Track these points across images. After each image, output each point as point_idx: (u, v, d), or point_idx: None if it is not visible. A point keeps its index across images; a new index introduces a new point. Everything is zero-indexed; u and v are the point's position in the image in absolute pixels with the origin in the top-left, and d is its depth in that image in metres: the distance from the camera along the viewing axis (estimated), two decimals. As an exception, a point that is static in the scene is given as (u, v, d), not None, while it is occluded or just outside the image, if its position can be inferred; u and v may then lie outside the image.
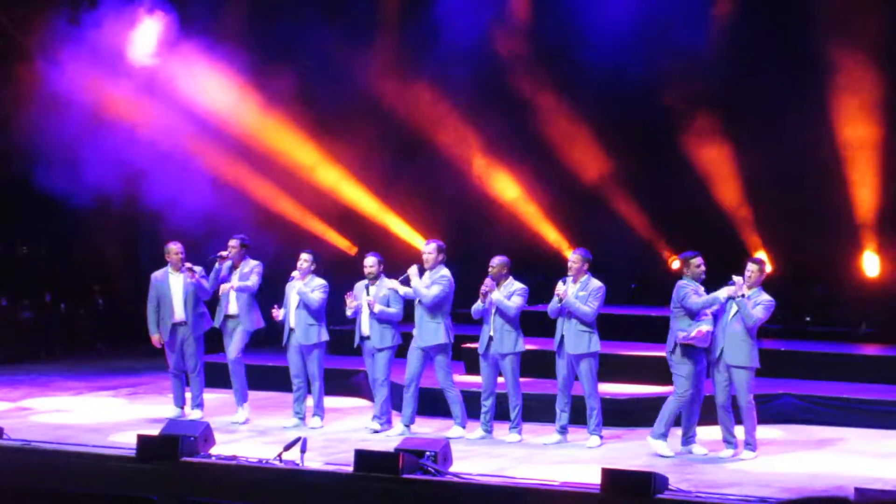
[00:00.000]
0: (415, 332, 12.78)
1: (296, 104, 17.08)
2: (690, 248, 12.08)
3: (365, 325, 12.89)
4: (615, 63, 16.10)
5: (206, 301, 13.55)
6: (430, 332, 12.66)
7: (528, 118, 17.21)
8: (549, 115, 17.15)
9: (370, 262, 12.93)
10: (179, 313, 13.43)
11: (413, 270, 12.62)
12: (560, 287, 12.24)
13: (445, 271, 12.69)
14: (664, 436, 11.83)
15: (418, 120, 17.41)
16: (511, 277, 12.57)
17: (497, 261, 12.58)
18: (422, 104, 17.39)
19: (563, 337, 12.25)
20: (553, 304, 12.28)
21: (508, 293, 12.47)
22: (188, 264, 13.36)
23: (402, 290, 12.78)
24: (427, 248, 12.80)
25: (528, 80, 17.08)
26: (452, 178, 17.53)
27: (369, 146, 17.48)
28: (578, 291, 12.24)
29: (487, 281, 12.46)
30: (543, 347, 13.23)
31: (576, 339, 12.20)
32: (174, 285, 13.42)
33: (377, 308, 12.78)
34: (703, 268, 11.91)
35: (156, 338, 13.54)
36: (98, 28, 16.07)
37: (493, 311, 12.48)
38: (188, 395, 13.66)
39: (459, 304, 12.97)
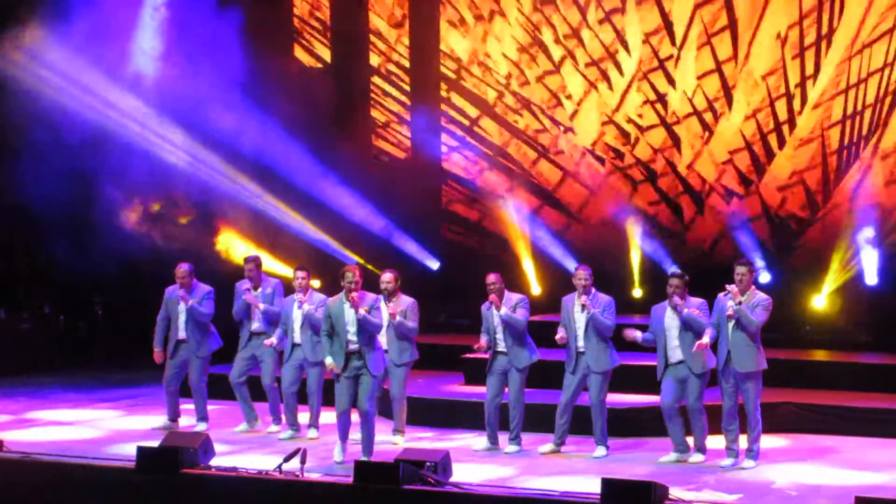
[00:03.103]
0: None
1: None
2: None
3: (383, 339, 12.83)
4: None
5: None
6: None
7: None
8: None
9: (387, 277, 12.87)
10: (182, 332, 13.47)
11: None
12: (585, 299, 12.19)
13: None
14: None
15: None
16: (507, 291, 12.58)
17: (494, 278, 12.57)
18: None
19: (581, 352, 12.24)
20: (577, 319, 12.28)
21: (512, 307, 12.47)
22: (181, 291, 13.38)
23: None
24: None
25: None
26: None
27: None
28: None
29: (493, 298, 12.45)
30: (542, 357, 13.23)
31: (598, 355, 12.20)
32: (178, 306, 13.47)
33: (399, 317, 12.70)
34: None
35: (157, 352, 13.59)
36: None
37: (503, 328, 12.47)
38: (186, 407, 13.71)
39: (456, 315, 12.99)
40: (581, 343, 12.22)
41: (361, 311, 11.65)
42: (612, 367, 12.25)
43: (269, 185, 17.21)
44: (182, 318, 13.41)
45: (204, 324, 13.45)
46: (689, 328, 11.82)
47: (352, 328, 11.73)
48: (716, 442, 12.08)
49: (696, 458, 11.98)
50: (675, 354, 11.94)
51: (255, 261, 13.54)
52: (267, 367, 13.37)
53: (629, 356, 13.42)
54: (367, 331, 11.71)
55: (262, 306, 13.22)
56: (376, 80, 18.48)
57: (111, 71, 16.30)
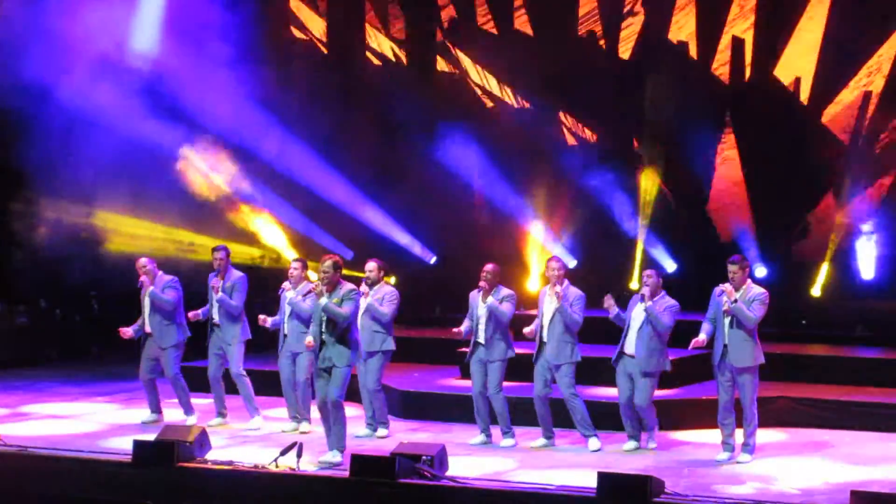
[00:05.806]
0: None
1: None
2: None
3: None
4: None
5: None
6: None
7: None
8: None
9: (370, 266, 12.90)
10: (147, 325, 13.46)
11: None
12: (558, 288, 12.18)
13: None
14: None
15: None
16: (499, 285, 12.57)
17: (491, 268, 12.57)
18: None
19: (544, 343, 12.28)
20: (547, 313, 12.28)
21: (499, 299, 12.46)
22: (143, 278, 13.36)
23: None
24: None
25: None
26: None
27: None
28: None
29: (483, 285, 12.46)
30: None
31: (558, 348, 12.22)
32: (144, 298, 13.47)
33: (370, 299, 12.68)
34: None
35: (126, 329, 13.55)
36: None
37: (486, 318, 12.47)
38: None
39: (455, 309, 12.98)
40: (545, 333, 12.25)
41: (323, 300, 11.44)
42: (570, 360, 12.21)
43: (266, 176, 17.24)
44: (146, 311, 13.40)
45: (169, 314, 13.38)
46: (651, 325, 11.93)
47: (323, 318, 11.58)
48: (712, 436, 12.09)
49: (651, 444, 12.18)
50: (630, 347, 12.05)
51: (224, 250, 13.45)
52: (232, 357, 13.28)
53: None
54: (332, 321, 11.52)
55: (220, 293, 13.19)
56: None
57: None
